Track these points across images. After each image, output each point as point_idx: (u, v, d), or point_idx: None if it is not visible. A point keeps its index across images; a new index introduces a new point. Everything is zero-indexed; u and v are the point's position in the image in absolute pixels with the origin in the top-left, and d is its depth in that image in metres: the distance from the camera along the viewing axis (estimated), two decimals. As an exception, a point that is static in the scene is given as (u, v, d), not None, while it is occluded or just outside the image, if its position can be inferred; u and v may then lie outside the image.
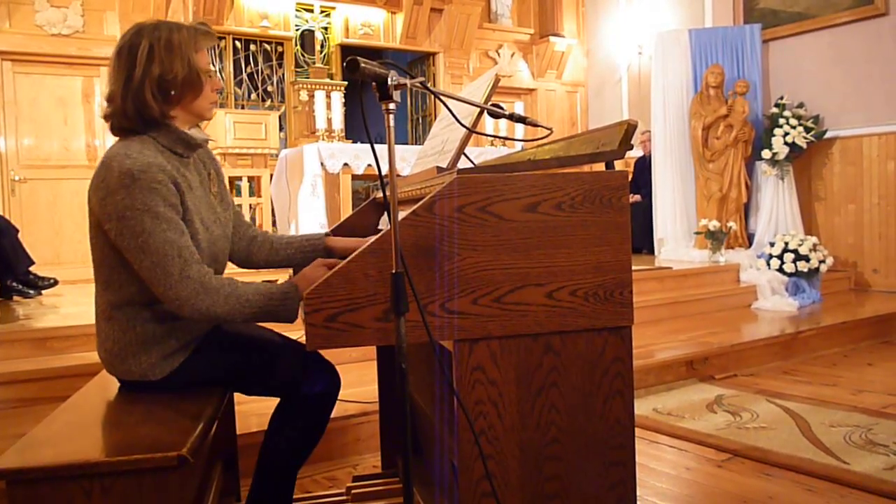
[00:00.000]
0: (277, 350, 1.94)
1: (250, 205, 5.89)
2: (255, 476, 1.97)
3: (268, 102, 7.80)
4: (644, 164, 7.98)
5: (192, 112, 1.87)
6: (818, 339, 4.87)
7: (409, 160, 5.61)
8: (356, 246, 2.10)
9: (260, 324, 2.13)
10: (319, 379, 1.90)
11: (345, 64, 1.39)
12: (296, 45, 7.99)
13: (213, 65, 7.40)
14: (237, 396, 2.31)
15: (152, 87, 1.76)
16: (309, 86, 7.76)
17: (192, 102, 1.85)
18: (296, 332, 2.00)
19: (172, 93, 1.79)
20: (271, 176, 6.21)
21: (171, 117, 1.83)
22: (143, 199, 1.67)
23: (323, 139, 6.01)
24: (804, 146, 6.70)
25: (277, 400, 1.98)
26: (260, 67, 7.78)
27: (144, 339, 1.80)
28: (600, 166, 1.62)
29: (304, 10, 8.03)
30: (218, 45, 7.47)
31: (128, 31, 1.82)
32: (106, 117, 1.85)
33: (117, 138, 1.84)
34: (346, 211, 5.61)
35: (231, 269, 2.11)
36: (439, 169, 1.76)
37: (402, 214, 1.48)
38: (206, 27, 1.89)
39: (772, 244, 6.23)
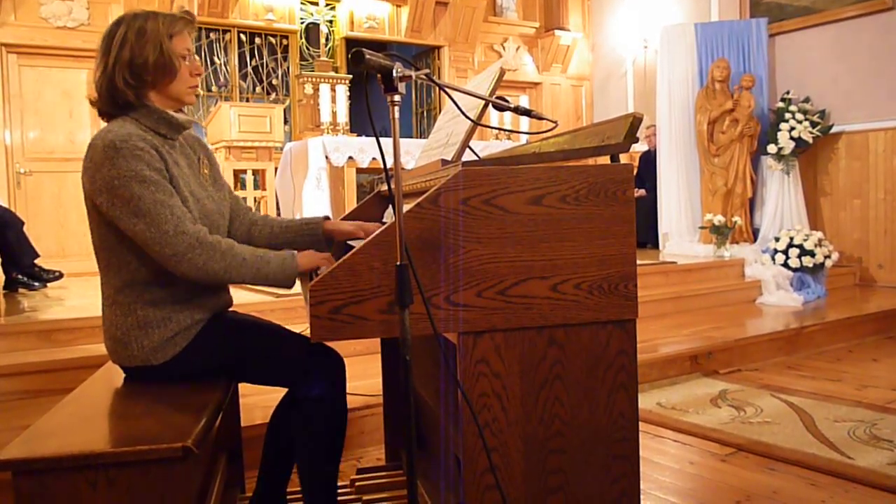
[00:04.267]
0: (280, 338, 1.94)
1: (255, 198, 5.89)
2: (303, 486, 1.92)
3: (272, 96, 7.80)
4: (649, 159, 7.96)
5: (169, 96, 1.90)
6: (823, 335, 4.86)
7: (414, 153, 5.61)
8: (354, 229, 2.11)
9: (263, 317, 2.14)
10: (321, 372, 1.86)
11: (350, 56, 1.40)
12: (301, 38, 7.98)
13: (219, 57, 7.41)
14: (242, 388, 2.32)
15: (123, 73, 1.81)
16: (314, 79, 7.76)
17: (169, 86, 1.88)
18: (299, 325, 2.00)
19: (146, 77, 1.84)
20: (276, 169, 6.21)
21: (148, 101, 1.87)
22: (128, 166, 1.72)
23: (327, 132, 6.00)
24: (810, 141, 6.67)
25: (280, 396, 1.97)
26: (265, 60, 7.78)
27: (146, 321, 1.82)
28: (605, 160, 1.62)
29: (309, 2, 8.02)
30: (222, 38, 7.47)
31: (112, 22, 1.90)
32: (92, 103, 1.92)
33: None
34: (351, 204, 5.61)
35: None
36: (444, 162, 1.76)
37: (406, 207, 1.48)
38: (186, 14, 1.92)
39: (777, 239, 6.21)
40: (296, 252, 1.83)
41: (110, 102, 1.85)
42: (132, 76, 1.82)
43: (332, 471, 1.94)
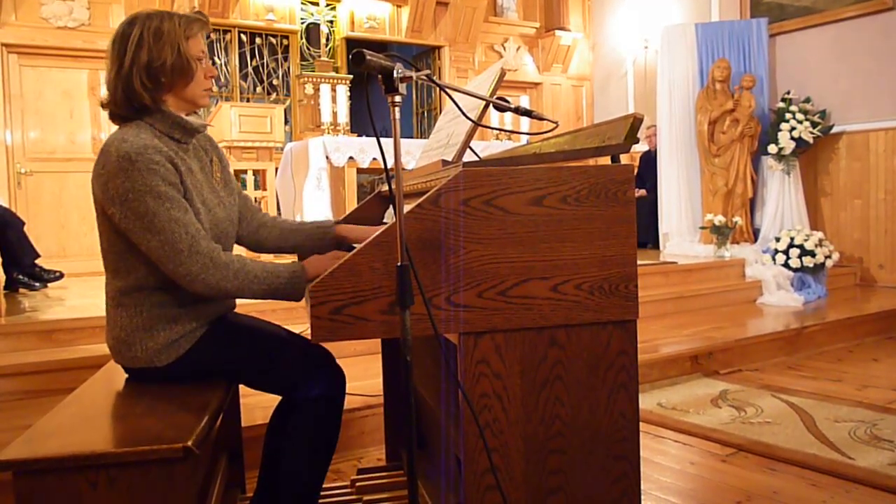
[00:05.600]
0: (282, 348, 1.93)
1: (255, 198, 5.89)
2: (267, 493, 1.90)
3: (273, 96, 7.80)
4: (649, 159, 7.96)
5: (184, 99, 1.87)
6: (823, 335, 4.86)
7: (415, 154, 5.61)
8: (367, 234, 2.10)
9: (263, 317, 2.14)
10: (320, 382, 1.86)
11: (351, 57, 1.39)
12: (301, 38, 7.98)
13: (219, 57, 7.41)
14: (242, 389, 2.31)
15: (141, 75, 1.78)
16: (314, 79, 7.76)
17: (184, 89, 1.85)
18: (299, 325, 2.00)
19: (163, 80, 1.80)
20: (276, 169, 6.21)
21: (164, 104, 1.84)
22: (143, 180, 1.69)
23: (328, 133, 6.01)
24: (810, 141, 6.67)
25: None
26: (265, 61, 7.78)
27: (151, 323, 1.81)
28: (606, 160, 1.62)
29: (310, 2, 8.02)
30: (223, 38, 7.47)
31: (124, 21, 1.84)
32: (103, 105, 1.88)
33: (117, 127, 1.86)
34: (351, 204, 5.61)
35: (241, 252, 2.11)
36: (445, 162, 1.76)
37: (407, 207, 1.48)
38: (200, 15, 1.89)
39: (777, 239, 6.21)
40: (304, 264, 1.79)
41: (125, 105, 1.80)
42: (149, 78, 1.78)
43: (322, 476, 1.92)
